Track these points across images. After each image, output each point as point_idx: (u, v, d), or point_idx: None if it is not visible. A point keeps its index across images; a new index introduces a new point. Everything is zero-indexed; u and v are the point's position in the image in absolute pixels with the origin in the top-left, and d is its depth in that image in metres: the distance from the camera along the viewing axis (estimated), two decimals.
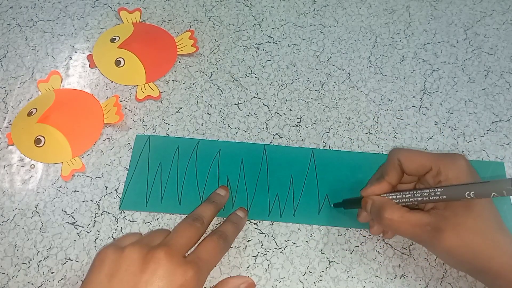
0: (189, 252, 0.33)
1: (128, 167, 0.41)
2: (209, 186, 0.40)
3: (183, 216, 0.37)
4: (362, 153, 0.42)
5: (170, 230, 0.35)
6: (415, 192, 0.32)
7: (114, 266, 0.29)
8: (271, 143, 0.43)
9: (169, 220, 0.39)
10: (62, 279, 0.37)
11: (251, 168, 0.41)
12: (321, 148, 0.43)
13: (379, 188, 0.34)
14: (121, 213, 0.40)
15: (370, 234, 0.39)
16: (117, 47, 0.46)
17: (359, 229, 0.39)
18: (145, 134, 0.43)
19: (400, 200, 0.33)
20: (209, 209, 0.36)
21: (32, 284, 0.37)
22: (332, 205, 0.40)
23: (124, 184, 0.41)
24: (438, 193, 0.31)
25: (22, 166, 0.42)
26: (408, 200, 0.33)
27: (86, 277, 0.30)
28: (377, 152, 0.42)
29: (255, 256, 0.38)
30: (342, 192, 0.40)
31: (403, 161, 0.33)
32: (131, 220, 0.39)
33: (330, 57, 0.47)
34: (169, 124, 0.44)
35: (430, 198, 0.31)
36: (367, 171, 0.40)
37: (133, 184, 0.41)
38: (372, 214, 0.34)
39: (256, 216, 0.39)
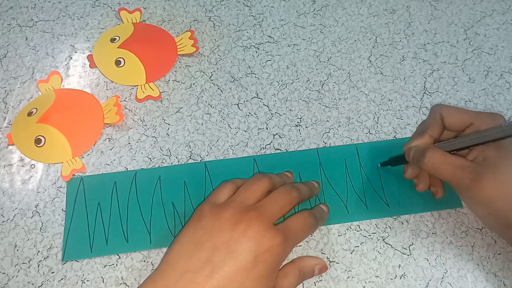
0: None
1: (66, 211, 0.39)
2: (155, 216, 0.39)
3: (133, 254, 0.37)
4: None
5: (272, 177, 0.35)
6: (456, 139, 0.34)
7: (209, 222, 0.32)
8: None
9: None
10: (62, 279, 0.37)
11: (195, 188, 0.40)
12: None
13: (421, 141, 0.35)
14: None
15: (370, 234, 0.39)
16: (117, 47, 0.46)
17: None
18: (77, 176, 0.41)
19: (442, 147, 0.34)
20: (304, 187, 0.37)
21: (32, 284, 0.37)
22: (379, 165, 0.41)
23: (63, 233, 0.38)
24: (477, 136, 0.32)
25: (22, 166, 0.42)
26: (449, 146, 0.34)
27: (184, 228, 0.33)
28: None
29: None
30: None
31: (445, 115, 0.35)
32: None
33: (330, 57, 0.47)
34: (169, 124, 0.44)
35: (471, 142, 0.32)
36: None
37: (73, 231, 0.38)
38: (414, 160, 0.35)
39: None
